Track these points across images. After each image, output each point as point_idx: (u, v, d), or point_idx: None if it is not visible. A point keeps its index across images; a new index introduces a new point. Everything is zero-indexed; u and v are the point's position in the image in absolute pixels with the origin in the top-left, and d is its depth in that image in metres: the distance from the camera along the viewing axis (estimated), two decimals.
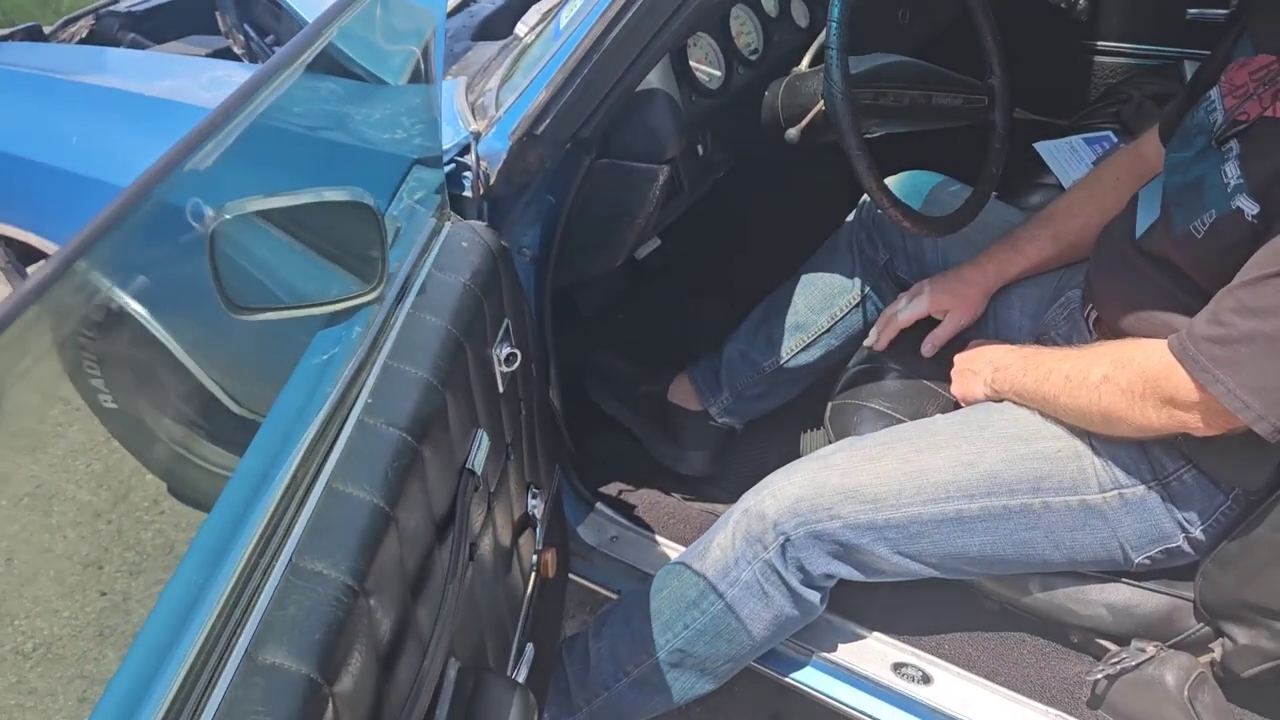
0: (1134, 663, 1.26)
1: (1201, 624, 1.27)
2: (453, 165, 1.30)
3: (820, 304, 1.68)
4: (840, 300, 1.67)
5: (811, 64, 1.48)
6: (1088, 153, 1.84)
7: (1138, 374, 1.13)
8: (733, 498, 1.69)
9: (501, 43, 1.56)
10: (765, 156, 1.67)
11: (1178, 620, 1.29)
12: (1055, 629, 1.38)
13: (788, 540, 1.30)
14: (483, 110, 1.33)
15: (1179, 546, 1.25)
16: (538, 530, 1.32)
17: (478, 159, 1.29)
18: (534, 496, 1.34)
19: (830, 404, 1.54)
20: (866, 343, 1.57)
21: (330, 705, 0.73)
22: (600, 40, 1.18)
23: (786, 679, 1.42)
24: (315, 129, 1.07)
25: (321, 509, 0.83)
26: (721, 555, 1.35)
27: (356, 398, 0.93)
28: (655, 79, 1.34)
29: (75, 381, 1.54)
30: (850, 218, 1.70)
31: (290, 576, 0.77)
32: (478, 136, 1.29)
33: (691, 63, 1.50)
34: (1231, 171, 1.11)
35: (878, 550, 1.29)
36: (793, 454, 1.53)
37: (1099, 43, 2.35)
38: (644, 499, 1.70)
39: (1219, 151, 1.15)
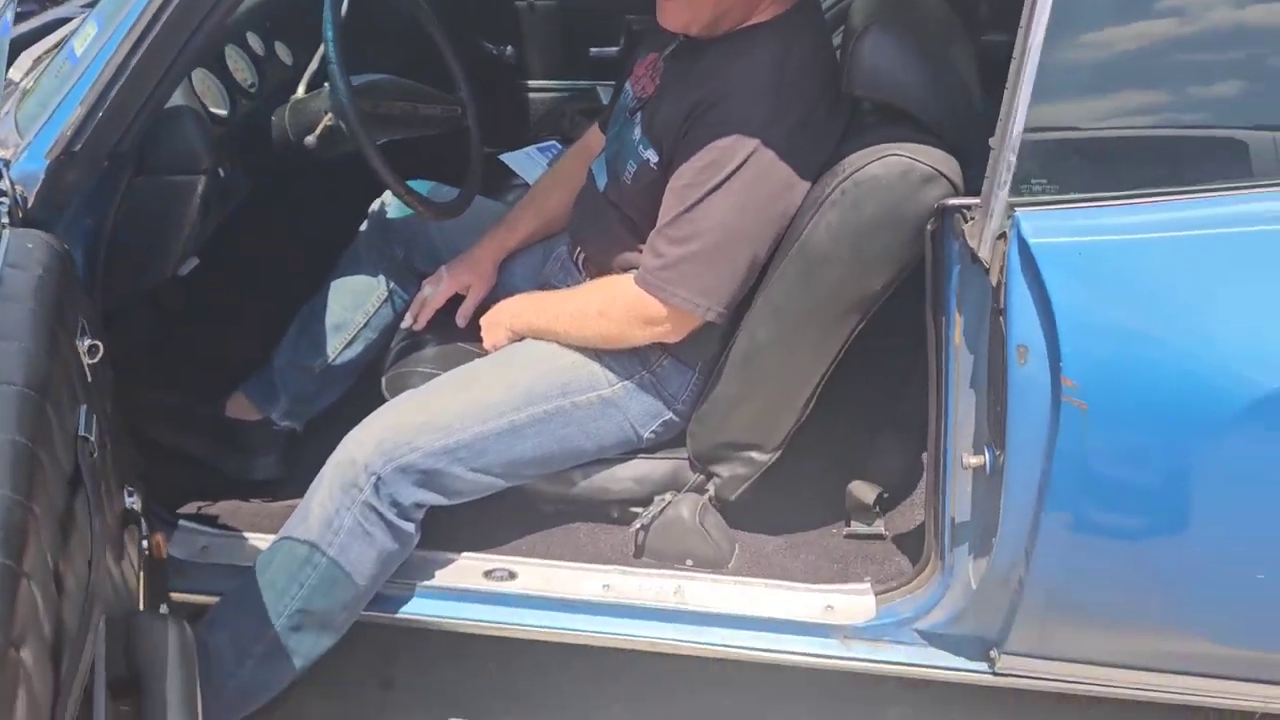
0: (658, 510, 1.64)
1: (698, 472, 1.69)
2: None
3: (353, 303, 1.90)
4: (371, 297, 1.91)
5: (308, 90, 1.72)
6: (541, 157, 2.30)
7: (623, 307, 1.52)
8: (305, 491, 1.85)
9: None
10: (286, 179, 1.85)
11: (682, 475, 1.69)
12: (600, 509, 1.72)
13: (379, 479, 1.50)
14: (2, 142, 1.38)
15: (671, 418, 1.66)
16: (141, 523, 1.39)
17: (11, 184, 1.34)
18: (130, 495, 1.40)
19: (384, 378, 1.76)
20: (404, 325, 1.82)
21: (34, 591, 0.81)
22: (125, 62, 1.31)
23: (398, 616, 1.61)
24: None
25: None
26: (322, 510, 1.51)
27: None
28: (180, 98, 1.48)
29: None
30: (364, 226, 1.95)
31: None
32: (7, 163, 1.34)
33: (198, 91, 1.65)
34: (638, 133, 1.54)
35: (455, 470, 1.54)
36: None
37: (530, 82, 2.85)
38: (224, 509, 1.78)
39: (632, 121, 1.58)
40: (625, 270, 1.60)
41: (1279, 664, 1.36)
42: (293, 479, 1.88)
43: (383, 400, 1.73)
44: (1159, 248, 1.13)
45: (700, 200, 1.43)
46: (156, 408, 1.90)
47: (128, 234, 1.49)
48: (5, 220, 1.35)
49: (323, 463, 1.63)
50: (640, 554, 1.67)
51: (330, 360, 1.90)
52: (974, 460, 1.32)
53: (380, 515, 1.51)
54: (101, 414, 1.29)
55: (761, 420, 1.61)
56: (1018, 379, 1.20)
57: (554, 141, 2.38)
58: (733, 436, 1.63)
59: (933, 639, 1.52)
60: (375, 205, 1.95)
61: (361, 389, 1.91)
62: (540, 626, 1.61)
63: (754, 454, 1.63)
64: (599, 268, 1.66)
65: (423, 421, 1.53)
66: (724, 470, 1.66)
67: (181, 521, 1.70)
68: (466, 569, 1.63)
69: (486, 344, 1.70)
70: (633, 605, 1.59)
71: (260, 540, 1.70)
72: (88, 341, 1.26)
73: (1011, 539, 1.32)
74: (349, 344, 1.91)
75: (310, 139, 1.60)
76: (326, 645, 1.57)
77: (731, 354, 1.56)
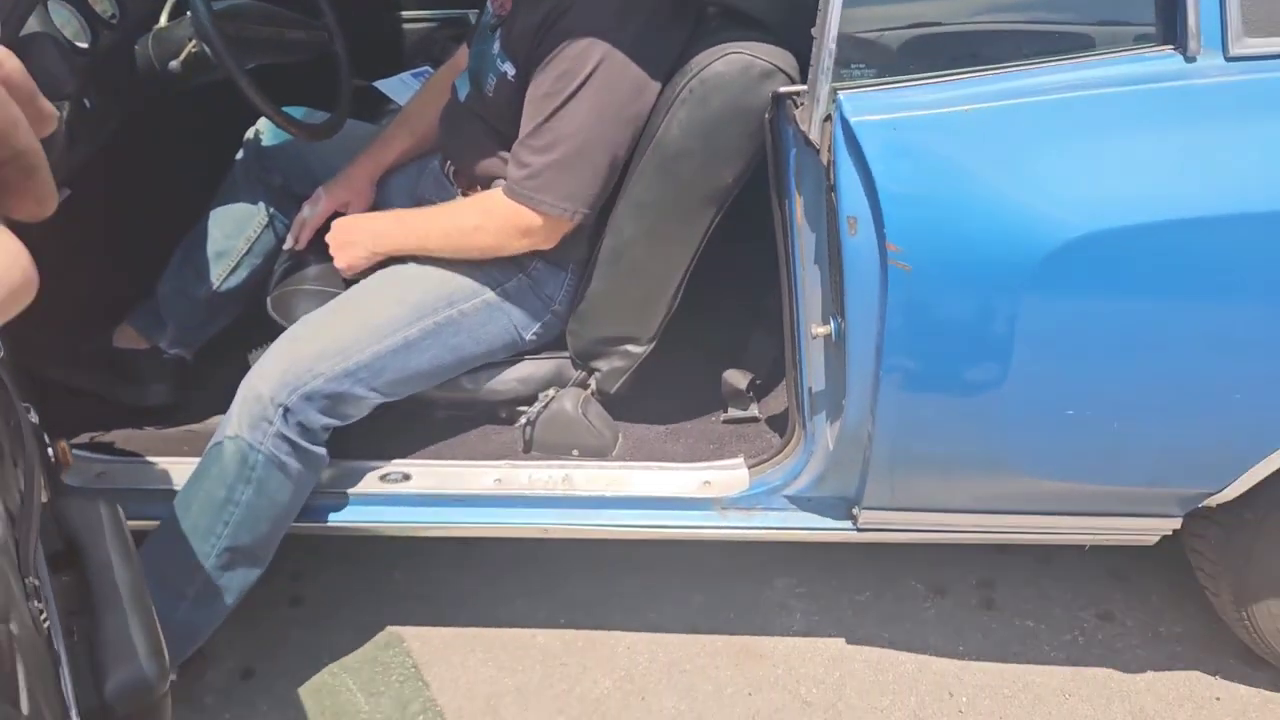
0: (542, 405, 1.74)
1: (579, 369, 1.79)
2: None
3: (234, 230, 1.94)
4: (251, 224, 1.95)
5: (170, 19, 1.74)
6: (415, 82, 2.35)
7: (499, 219, 1.60)
8: (203, 416, 1.90)
9: None
10: (160, 110, 1.87)
11: (565, 373, 1.79)
12: (488, 410, 1.81)
13: (287, 410, 1.56)
14: None
15: (550, 319, 1.75)
16: (44, 433, 1.43)
17: None
18: (29, 410, 1.44)
19: (269, 298, 1.81)
20: (286, 246, 1.87)
21: None
22: None
23: (300, 525, 1.68)
24: None
25: None
26: (236, 447, 1.56)
27: None
28: (36, 24, 1.49)
29: None
30: (240, 153, 1.98)
31: None
32: None
33: (56, 23, 1.66)
34: (497, 47, 1.61)
35: (357, 391, 1.61)
36: (245, 366, 1.76)
37: (404, 12, 2.86)
38: (118, 437, 1.82)
39: (492, 36, 1.65)
40: (493, 179, 1.67)
41: (1095, 496, 1.53)
42: (185, 406, 1.94)
43: (270, 321, 1.78)
44: (960, 119, 1.25)
45: (558, 109, 1.51)
46: (43, 345, 1.92)
47: None
48: None
49: (217, 389, 1.68)
50: (529, 449, 1.76)
51: (215, 288, 1.94)
52: (821, 330, 1.45)
53: (292, 444, 1.57)
54: None
55: (634, 314, 1.72)
56: (850, 248, 1.32)
57: (427, 68, 2.42)
58: (608, 331, 1.73)
59: (801, 503, 1.66)
60: (250, 132, 1.98)
61: (250, 314, 1.96)
62: (437, 523, 1.70)
63: (630, 347, 1.74)
64: (468, 179, 1.73)
65: (320, 349, 1.59)
66: (603, 365, 1.77)
67: (75, 451, 1.73)
68: (362, 474, 1.71)
69: (340, 264, 1.72)
70: (524, 496, 1.69)
71: (156, 464, 1.75)
72: None
73: (858, 400, 1.45)
74: (232, 270, 1.95)
75: (174, 64, 1.62)
76: (255, 576, 1.64)
77: (601, 252, 1.66)
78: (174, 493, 1.68)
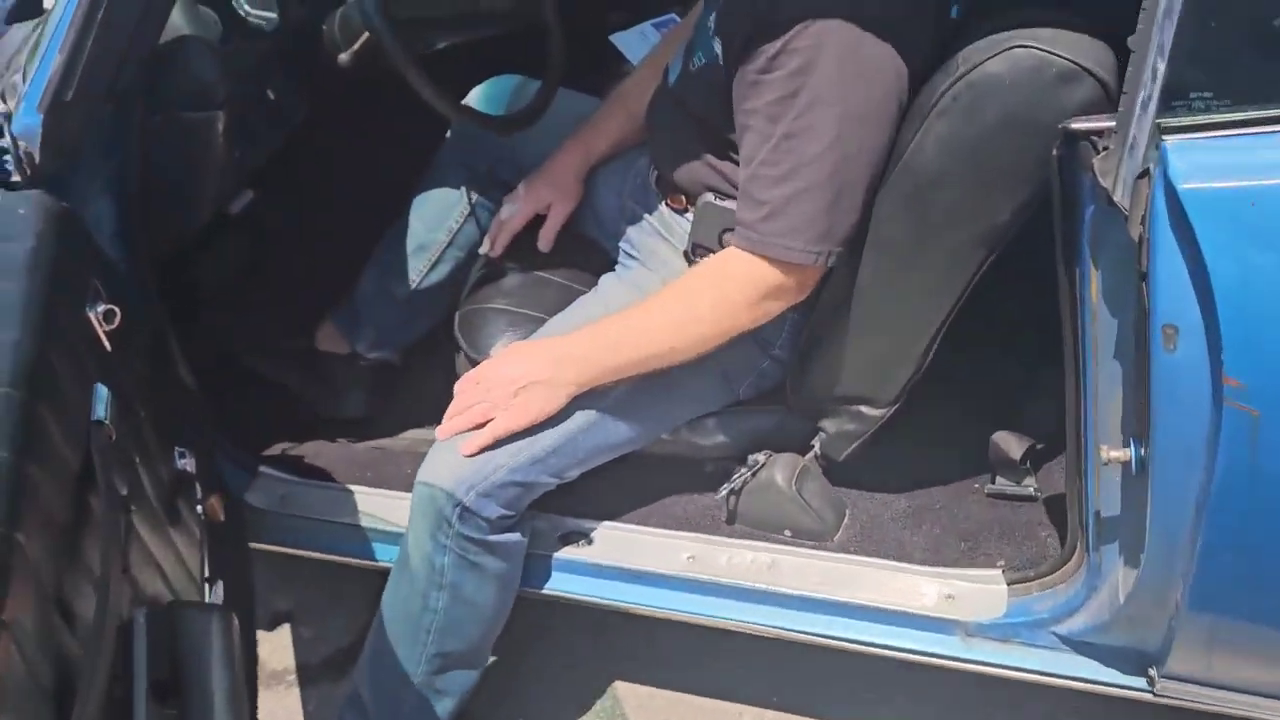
0: (750, 473, 1.41)
1: (799, 427, 1.44)
2: None
3: (436, 221, 1.73)
4: (453, 214, 1.73)
5: None
6: (656, 36, 1.98)
7: (738, 286, 1.23)
8: (397, 430, 1.75)
9: (35, 21, 1.49)
10: (354, 93, 1.69)
11: (785, 427, 1.45)
12: (689, 466, 1.51)
13: (464, 509, 1.31)
14: (13, 89, 1.28)
15: (769, 367, 1.41)
16: (196, 485, 1.32)
17: (15, 140, 1.24)
18: (182, 456, 1.33)
19: (457, 314, 1.60)
20: (482, 250, 1.64)
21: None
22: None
23: None
24: None
25: None
26: (420, 553, 1.36)
27: None
28: (182, 24, 1.33)
29: None
30: (448, 136, 1.76)
31: None
32: (9, 117, 1.24)
33: (245, 5, 1.49)
34: (713, 17, 1.24)
35: (544, 480, 1.36)
36: (450, 372, 1.56)
37: None
38: (309, 451, 1.71)
39: (714, 2, 1.28)
40: (701, 186, 1.34)
41: None
42: (385, 417, 1.79)
43: (453, 339, 1.57)
44: None
45: (794, 122, 1.14)
46: (251, 334, 1.84)
47: (155, 176, 1.38)
48: (17, 178, 1.27)
49: (416, 400, 1.51)
50: (732, 520, 1.45)
51: (416, 285, 1.75)
52: (1116, 455, 1.01)
53: (479, 542, 1.34)
54: (131, 381, 1.20)
55: (871, 371, 1.34)
56: (1165, 366, 0.88)
57: (673, 14, 2.05)
58: (838, 389, 1.36)
59: (1074, 645, 1.24)
60: None
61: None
62: (620, 601, 1.44)
63: (864, 409, 1.37)
64: (668, 185, 1.40)
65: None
66: (830, 426, 1.41)
67: (262, 468, 1.63)
68: (540, 534, 1.48)
69: (528, 419, 1.30)
70: (720, 584, 1.39)
71: (342, 492, 1.61)
72: (102, 307, 1.16)
73: (1162, 553, 1.02)
74: (433, 265, 1.74)
75: (344, 57, 1.40)
76: (474, 679, 1.47)
77: (832, 295, 1.29)
78: (356, 528, 1.55)
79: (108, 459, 1.02)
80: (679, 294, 1.28)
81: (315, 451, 1.71)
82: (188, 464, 1.32)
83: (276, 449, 1.72)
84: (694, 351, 1.28)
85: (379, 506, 1.57)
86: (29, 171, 1.26)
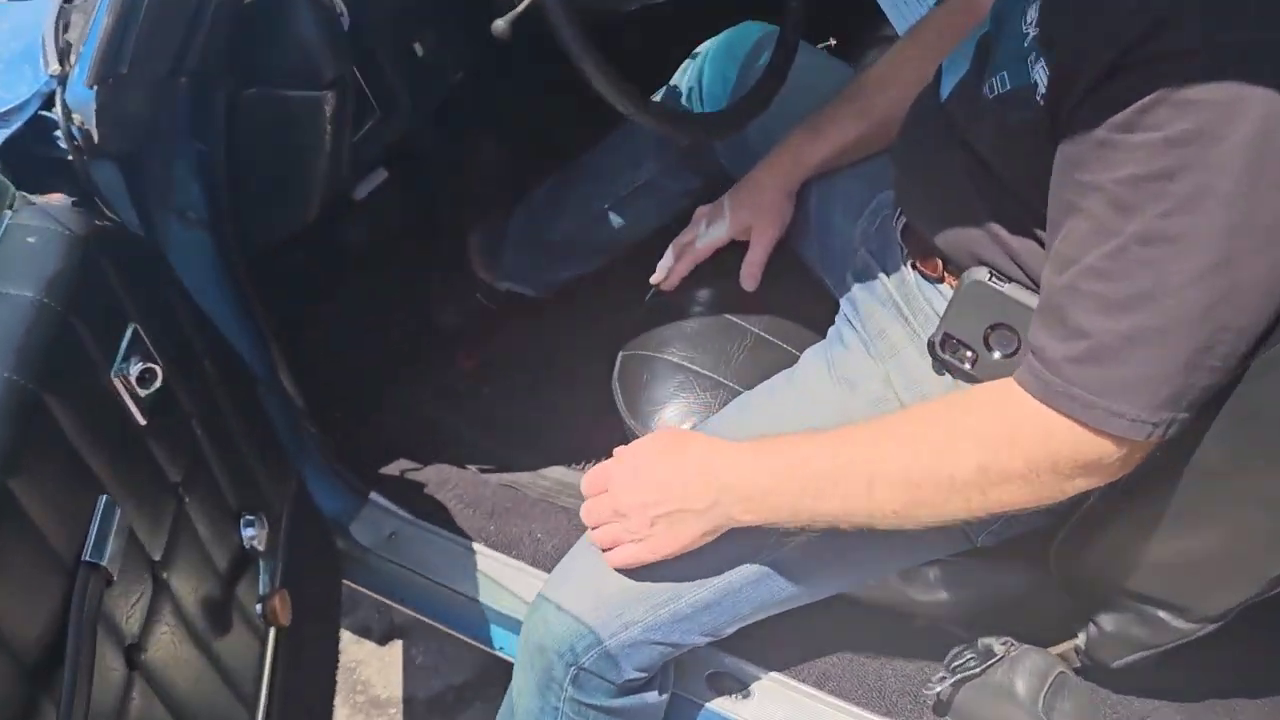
0: (979, 667, 1.01)
1: (1060, 604, 1.03)
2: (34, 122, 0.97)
3: (618, 171, 1.40)
4: (624, 179, 1.40)
5: None
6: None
7: (1022, 450, 0.79)
8: (539, 463, 1.44)
9: None
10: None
11: (1033, 603, 1.04)
12: (894, 620, 1.12)
13: (580, 671, 1.00)
14: (69, 49, 0.98)
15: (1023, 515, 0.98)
16: (261, 567, 1.05)
17: (67, 111, 0.95)
18: (249, 525, 1.06)
19: (620, 354, 1.24)
20: (654, 279, 1.26)
21: None
22: None
23: None
24: None
25: None
26: (526, 706, 1.05)
27: None
28: None
29: None
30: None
31: None
32: (64, 82, 0.95)
33: None
34: (1031, 16, 0.79)
35: (690, 640, 1.02)
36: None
37: None
38: (431, 477, 1.42)
39: None
40: (971, 261, 0.91)
41: None
42: (517, 433, 1.49)
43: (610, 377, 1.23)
44: None
45: (1163, 218, 0.69)
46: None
47: (251, 161, 1.07)
48: (69, 155, 0.99)
49: (547, 415, 1.38)
50: (943, 713, 1.06)
51: (562, 236, 1.48)
52: None
53: (598, 708, 1.02)
54: (173, 449, 0.93)
55: (1191, 575, 0.91)
56: None
57: None
58: (1132, 582, 0.94)
59: None
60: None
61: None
62: None
63: (1165, 616, 0.94)
64: (923, 245, 0.98)
65: (638, 581, 0.98)
66: (1107, 622, 0.99)
67: (373, 494, 1.36)
68: (685, 666, 1.14)
69: (658, 552, 0.93)
70: None
71: (456, 544, 1.32)
72: (137, 366, 0.87)
73: None
74: (608, 212, 1.43)
75: (500, 24, 1.01)
76: None
77: (1151, 472, 0.85)
78: (459, 596, 1.27)
79: (92, 619, 0.75)
80: (930, 442, 0.84)
81: (439, 479, 1.43)
82: (256, 537, 1.05)
83: (395, 467, 1.45)
84: (932, 524, 0.87)
85: (500, 573, 1.29)
86: (83, 153, 0.97)
